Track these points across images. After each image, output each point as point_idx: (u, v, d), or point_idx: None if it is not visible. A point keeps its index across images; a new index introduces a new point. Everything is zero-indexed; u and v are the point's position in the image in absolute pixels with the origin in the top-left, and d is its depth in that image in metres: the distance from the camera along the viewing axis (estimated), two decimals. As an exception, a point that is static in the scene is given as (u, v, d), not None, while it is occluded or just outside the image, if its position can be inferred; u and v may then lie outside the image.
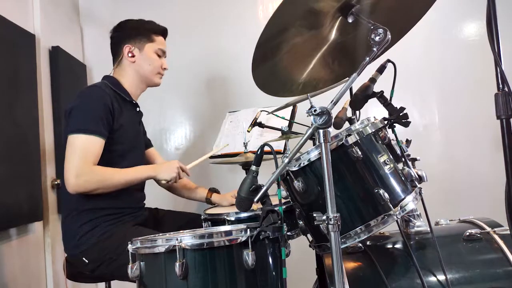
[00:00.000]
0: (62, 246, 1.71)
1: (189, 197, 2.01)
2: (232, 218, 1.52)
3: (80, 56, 2.73)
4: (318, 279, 1.75)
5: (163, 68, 1.86)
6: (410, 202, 1.19)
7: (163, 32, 1.87)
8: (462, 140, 2.63)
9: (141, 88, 1.86)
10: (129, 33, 1.81)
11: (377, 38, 1.06)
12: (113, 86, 1.73)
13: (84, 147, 1.54)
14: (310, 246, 1.36)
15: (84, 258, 1.59)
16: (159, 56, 1.84)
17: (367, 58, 1.05)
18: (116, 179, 1.60)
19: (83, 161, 1.53)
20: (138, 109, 1.85)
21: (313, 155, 1.18)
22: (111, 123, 1.62)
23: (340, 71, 1.40)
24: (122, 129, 1.67)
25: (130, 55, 1.78)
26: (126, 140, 1.70)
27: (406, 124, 1.34)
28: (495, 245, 1.33)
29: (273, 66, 1.26)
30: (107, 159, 1.60)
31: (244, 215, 1.50)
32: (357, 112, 1.58)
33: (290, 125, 1.88)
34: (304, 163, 1.19)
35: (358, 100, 1.41)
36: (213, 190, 1.96)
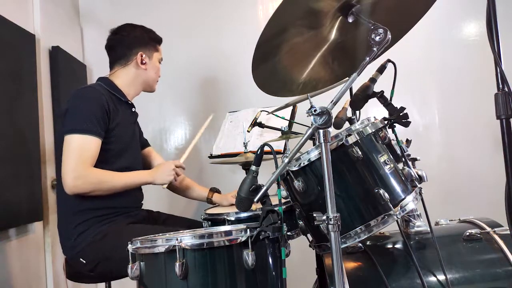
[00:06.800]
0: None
1: (190, 196, 2.01)
2: (232, 218, 1.52)
3: (80, 56, 2.73)
4: (318, 279, 1.75)
5: (159, 76, 1.92)
6: (410, 202, 1.19)
7: (161, 41, 1.93)
8: (462, 140, 2.63)
9: (138, 91, 1.88)
10: (141, 41, 1.83)
11: (377, 38, 1.06)
12: (108, 87, 1.74)
13: (81, 147, 1.54)
14: (310, 246, 1.36)
15: (81, 259, 1.59)
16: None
17: (367, 58, 1.05)
18: (113, 183, 1.61)
19: (80, 161, 1.53)
20: (133, 109, 1.86)
21: (313, 155, 1.18)
22: (107, 123, 1.63)
23: (340, 71, 1.40)
24: (117, 129, 1.67)
25: (143, 62, 1.81)
26: (121, 140, 1.71)
27: (406, 124, 1.34)
28: (495, 245, 1.33)
29: (273, 66, 1.26)
30: (102, 159, 1.60)
31: (244, 215, 1.50)
32: (357, 112, 1.58)
33: (290, 125, 1.88)
34: (304, 163, 1.19)
35: (358, 100, 1.41)
36: (214, 190, 1.96)
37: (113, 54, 1.85)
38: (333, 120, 1.00)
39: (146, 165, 2.00)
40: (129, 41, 1.83)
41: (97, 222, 1.61)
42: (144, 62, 1.82)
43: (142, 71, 1.83)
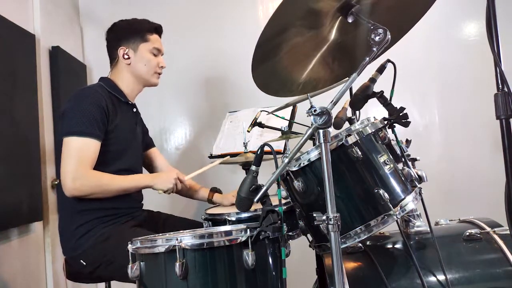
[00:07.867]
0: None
1: (191, 196, 2.00)
2: (233, 218, 1.52)
3: (80, 56, 2.73)
4: (318, 279, 1.75)
5: (160, 66, 1.82)
6: (410, 202, 1.19)
7: (157, 29, 1.83)
8: (462, 140, 2.64)
9: (137, 89, 1.84)
10: (123, 35, 1.78)
11: (377, 38, 1.06)
12: (108, 88, 1.72)
13: (80, 150, 1.53)
14: (310, 246, 1.36)
15: (82, 260, 1.58)
16: (154, 55, 1.80)
17: (367, 58, 1.05)
18: (113, 186, 1.59)
19: (79, 164, 1.52)
20: (134, 109, 1.84)
21: (313, 155, 1.18)
22: (106, 125, 1.61)
23: (340, 71, 1.40)
24: (117, 130, 1.66)
25: (125, 57, 1.76)
26: (121, 141, 1.69)
27: (406, 124, 1.34)
28: (495, 245, 1.33)
29: (273, 66, 1.26)
30: (101, 160, 1.58)
31: (245, 215, 1.50)
32: (357, 112, 1.58)
33: (290, 125, 1.88)
34: (304, 163, 1.19)
35: (358, 100, 1.41)
36: (214, 190, 1.96)
37: (108, 54, 1.84)
38: (333, 120, 1.00)
39: (147, 165, 1.99)
40: (113, 38, 1.80)
41: (100, 223, 1.60)
42: (127, 56, 1.76)
43: (128, 66, 1.77)
